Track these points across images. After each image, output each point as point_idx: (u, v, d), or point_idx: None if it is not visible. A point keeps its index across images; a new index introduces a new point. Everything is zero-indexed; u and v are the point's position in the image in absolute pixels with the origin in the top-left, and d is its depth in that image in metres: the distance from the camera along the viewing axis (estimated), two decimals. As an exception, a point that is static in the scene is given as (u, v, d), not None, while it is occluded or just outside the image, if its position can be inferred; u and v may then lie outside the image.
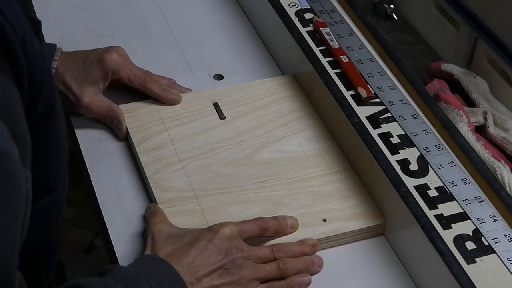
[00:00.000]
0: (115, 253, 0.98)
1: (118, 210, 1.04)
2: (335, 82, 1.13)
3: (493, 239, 0.92)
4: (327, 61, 1.16)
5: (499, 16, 1.21)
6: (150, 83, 1.16)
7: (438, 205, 0.96)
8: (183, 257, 0.90)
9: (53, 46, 1.13)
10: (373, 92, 1.11)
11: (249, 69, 1.28)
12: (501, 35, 1.20)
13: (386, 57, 1.17)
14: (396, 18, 1.42)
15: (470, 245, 0.92)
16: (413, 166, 1.00)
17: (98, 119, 1.14)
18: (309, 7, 1.26)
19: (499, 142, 1.13)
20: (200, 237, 0.92)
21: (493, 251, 0.91)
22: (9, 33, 0.68)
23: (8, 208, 0.66)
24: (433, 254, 0.91)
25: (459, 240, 0.92)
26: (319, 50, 1.18)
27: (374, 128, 1.06)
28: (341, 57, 1.16)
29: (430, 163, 1.01)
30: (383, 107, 1.09)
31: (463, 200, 0.96)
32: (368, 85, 1.12)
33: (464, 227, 0.94)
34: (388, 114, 1.08)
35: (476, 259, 0.90)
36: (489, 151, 1.09)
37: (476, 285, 0.87)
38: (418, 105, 1.10)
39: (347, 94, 1.11)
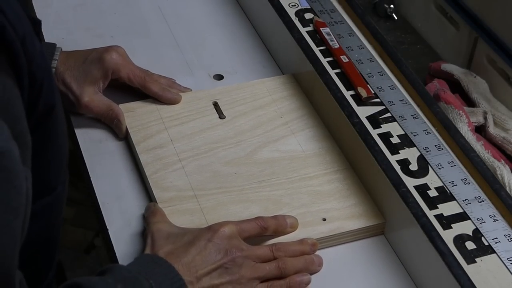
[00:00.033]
0: (115, 253, 0.98)
1: (118, 210, 1.03)
2: (335, 82, 1.13)
3: (493, 239, 0.92)
4: (327, 61, 1.16)
5: (499, 16, 1.21)
6: (150, 83, 1.16)
7: (438, 205, 0.96)
8: (183, 257, 0.90)
9: (53, 46, 1.13)
10: (373, 92, 1.11)
11: (249, 69, 1.28)
12: (501, 35, 1.20)
13: (386, 57, 1.17)
14: (396, 18, 1.42)
15: (470, 245, 0.92)
16: (413, 166, 1.00)
17: (98, 118, 1.14)
18: (309, 7, 1.26)
19: (499, 142, 1.13)
20: (200, 237, 0.92)
21: (493, 251, 0.91)
22: (9, 33, 0.68)
23: (9, 207, 0.66)
24: (433, 254, 0.91)
25: (459, 240, 0.92)
26: (319, 50, 1.18)
27: (374, 128, 1.06)
28: (341, 57, 1.16)
29: (430, 163, 1.01)
30: (383, 107, 1.09)
31: (463, 200, 0.96)
32: (368, 85, 1.12)
33: (464, 227, 0.93)
34: (388, 114, 1.08)
35: (476, 259, 0.90)
36: (489, 151, 1.09)
37: (476, 285, 0.87)
38: (418, 105, 1.10)
39: (347, 94, 1.11)
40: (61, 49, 1.14)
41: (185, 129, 1.12)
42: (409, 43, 1.38)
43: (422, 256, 0.94)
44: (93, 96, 1.13)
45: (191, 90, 1.20)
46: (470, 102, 1.20)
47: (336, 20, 1.24)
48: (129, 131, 1.12)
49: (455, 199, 0.97)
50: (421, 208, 0.95)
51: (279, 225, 0.98)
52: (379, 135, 1.05)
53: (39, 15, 1.33)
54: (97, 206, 1.04)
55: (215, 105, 1.17)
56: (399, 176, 0.99)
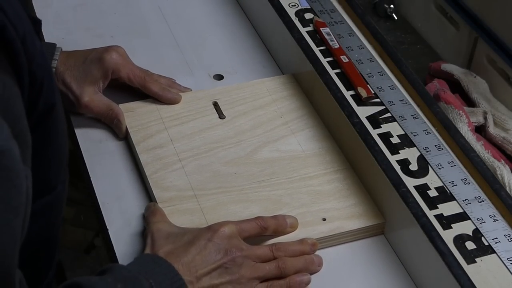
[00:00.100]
0: (115, 253, 0.98)
1: (118, 210, 1.03)
2: (335, 82, 1.13)
3: (493, 239, 0.92)
4: (327, 61, 1.16)
5: (499, 16, 1.21)
6: (150, 83, 1.16)
7: (438, 205, 0.96)
8: (183, 256, 0.90)
9: (53, 46, 1.14)
10: (373, 92, 1.11)
11: (249, 69, 1.28)
12: (501, 35, 1.20)
13: (386, 57, 1.17)
14: (396, 18, 1.42)
15: (470, 245, 0.92)
16: (413, 166, 1.00)
17: (98, 118, 1.14)
18: (309, 7, 1.26)
19: (499, 142, 1.13)
20: (200, 236, 0.92)
21: (493, 251, 0.91)
22: (10, 32, 0.68)
23: (9, 206, 0.66)
24: (433, 254, 0.91)
25: (459, 240, 0.92)
26: (319, 50, 1.18)
27: (374, 128, 1.06)
28: (341, 57, 1.16)
29: (430, 163, 1.01)
30: (383, 107, 1.09)
31: (463, 200, 0.96)
32: (368, 85, 1.12)
33: (464, 227, 0.93)
34: (388, 114, 1.08)
35: (476, 259, 0.90)
36: (489, 151, 1.09)
37: (476, 285, 0.87)
38: (418, 105, 1.10)
39: (347, 94, 1.11)
40: (61, 49, 1.14)
41: (185, 129, 1.12)
42: (409, 43, 1.38)
43: (422, 256, 0.94)
44: (93, 96, 1.13)
45: (191, 90, 1.20)
46: (470, 102, 1.20)
47: (336, 20, 1.24)
48: (129, 131, 1.12)
49: (455, 199, 0.97)
50: (421, 208, 0.95)
51: (279, 225, 0.98)
52: (379, 135, 1.05)
53: (39, 15, 1.32)
54: (97, 206, 1.04)
55: (215, 105, 1.17)
56: (399, 176, 0.99)
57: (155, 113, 1.15)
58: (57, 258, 0.96)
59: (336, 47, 1.18)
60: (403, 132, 1.05)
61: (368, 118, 1.07)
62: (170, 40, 1.32)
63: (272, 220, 0.98)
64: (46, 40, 1.21)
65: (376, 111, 1.08)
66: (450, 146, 1.03)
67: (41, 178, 0.80)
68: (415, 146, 1.03)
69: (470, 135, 1.10)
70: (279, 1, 1.26)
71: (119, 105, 1.14)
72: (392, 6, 1.42)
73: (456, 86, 1.22)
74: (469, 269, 0.89)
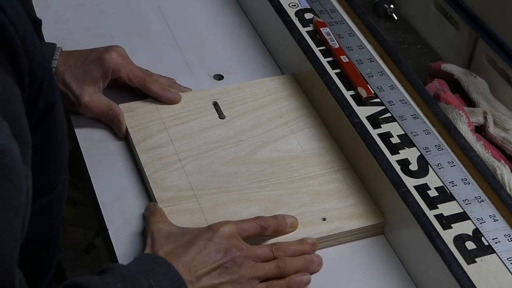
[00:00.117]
0: (115, 253, 0.98)
1: (118, 210, 1.03)
2: (335, 82, 1.13)
3: (493, 239, 0.92)
4: (327, 61, 1.16)
5: (499, 16, 1.21)
6: (149, 83, 1.16)
7: (438, 205, 0.96)
8: (183, 256, 0.90)
9: (53, 46, 1.14)
10: (373, 92, 1.11)
11: (249, 69, 1.28)
12: (501, 35, 1.20)
13: (386, 57, 1.17)
14: (396, 18, 1.42)
15: (470, 245, 0.92)
16: (413, 166, 1.00)
17: (98, 118, 1.14)
18: (309, 7, 1.26)
19: (499, 142, 1.13)
20: (200, 236, 0.92)
21: (493, 251, 0.91)
22: (10, 31, 0.68)
23: (9, 205, 0.66)
24: (433, 254, 0.91)
25: (459, 240, 0.92)
26: (319, 50, 1.18)
27: (374, 128, 1.06)
28: (341, 57, 1.16)
29: (430, 163, 1.01)
30: (383, 107, 1.09)
31: (463, 200, 0.96)
32: (368, 85, 1.12)
33: (464, 227, 0.93)
34: (388, 114, 1.08)
35: (476, 259, 0.90)
36: (489, 151, 1.09)
37: (476, 285, 0.87)
38: (418, 105, 1.10)
39: (347, 94, 1.11)
40: (61, 49, 1.14)
41: (185, 129, 1.12)
42: (409, 43, 1.38)
43: (422, 256, 0.94)
44: (93, 96, 1.13)
45: (191, 90, 1.20)
46: (470, 102, 1.20)
47: (336, 20, 1.24)
48: (129, 131, 1.12)
49: (455, 199, 0.97)
50: (421, 208, 0.95)
51: (279, 225, 0.98)
52: (379, 135, 1.05)
53: (39, 15, 1.32)
54: (97, 206, 1.04)
55: (215, 105, 1.17)
56: (399, 176, 0.99)
57: (155, 113, 1.15)
58: (57, 258, 0.96)
59: (336, 47, 1.18)
60: (403, 132, 1.05)
61: (368, 118, 1.07)
62: (170, 40, 1.32)
63: (272, 220, 0.98)
64: (46, 40, 1.21)
65: (376, 111, 1.08)
66: (450, 146, 1.03)
67: (41, 177, 0.80)
68: (415, 146, 1.03)
69: (470, 135, 1.10)
70: (279, 1, 1.26)
71: (119, 105, 1.14)
72: (392, 6, 1.42)
73: (456, 86, 1.22)
74: (469, 269, 0.89)
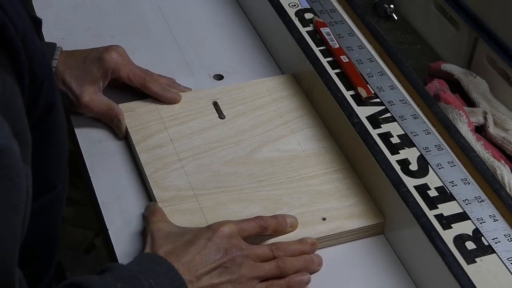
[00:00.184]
0: (115, 253, 0.98)
1: (118, 210, 1.03)
2: (335, 82, 1.13)
3: (493, 239, 0.92)
4: (327, 61, 1.16)
5: (499, 16, 1.21)
6: (149, 82, 1.16)
7: (438, 205, 0.96)
8: (183, 256, 0.90)
9: (53, 45, 1.14)
10: (373, 92, 1.11)
11: (249, 69, 1.28)
12: (501, 35, 1.20)
13: (386, 57, 1.17)
14: (396, 18, 1.42)
15: (470, 245, 0.92)
16: (413, 166, 1.00)
17: (97, 118, 1.14)
18: (309, 7, 1.26)
19: (499, 142, 1.13)
20: (200, 236, 0.92)
21: (493, 251, 0.91)
22: (10, 30, 0.68)
23: (9, 204, 0.66)
24: (433, 254, 0.91)
25: (459, 240, 0.92)
26: (319, 50, 1.18)
27: (374, 128, 1.06)
28: (341, 57, 1.16)
29: (430, 163, 1.01)
30: (383, 107, 1.09)
31: (463, 200, 0.96)
32: (368, 85, 1.12)
33: (464, 227, 0.93)
34: (388, 114, 1.08)
35: (476, 259, 0.90)
36: (489, 151, 1.09)
37: (476, 285, 0.87)
38: (418, 105, 1.10)
39: (347, 94, 1.11)
40: (61, 49, 1.14)
41: (185, 129, 1.12)
42: (409, 43, 1.38)
43: (422, 256, 0.94)
44: (93, 96, 1.13)
45: (191, 90, 1.20)
46: (470, 102, 1.20)
47: (336, 20, 1.24)
48: (129, 130, 1.12)
49: (455, 199, 0.96)
50: (421, 208, 0.95)
51: (278, 225, 0.98)
52: (379, 135, 1.05)
53: (39, 15, 1.31)
54: (97, 206, 1.04)
55: (215, 104, 1.17)
56: (399, 176, 0.99)
57: (155, 113, 1.15)
58: (57, 257, 0.96)
59: (336, 47, 1.18)
60: (403, 132, 1.05)
61: (368, 118, 1.07)
62: (170, 40, 1.32)
63: (272, 219, 0.98)
64: (46, 40, 1.21)
65: (376, 111, 1.08)
66: (450, 146, 1.03)
67: (41, 177, 0.80)
68: (415, 146, 1.03)
69: (470, 135, 1.10)
70: (279, 1, 1.26)
71: (119, 104, 1.14)
72: (392, 6, 1.42)
73: (456, 86, 1.22)
74: (469, 269, 0.89)
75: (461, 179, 0.99)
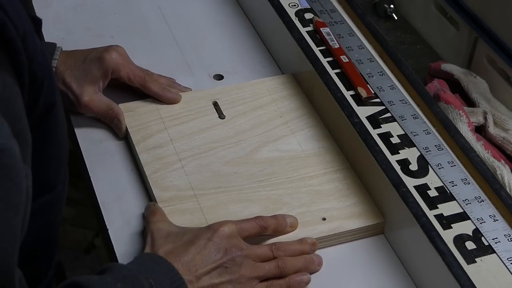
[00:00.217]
0: (115, 253, 0.98)
1: (118, 210, 1.03)
2: (335, 82, 1.13)
3: (493, 239, 0.92)
4: (327, 61, 1.16)
5: (499, 16, 1.21)
6: (149, 82, 1.16)
7: (438, 205, 0.96)
8: (183, 256, 0.90)
9: (53, 45, 1.14)
10: (373, 92, 1.11)
11: (249, 69, 1.28)
12: (501, 35, 1.20)
13: (386, 57, 1.17)
14: (396, 18, 1.42)
15: (470, 245, 0.92)
16: (413, 166, 1.00)
17: (97, 118, 1.14)
18: (309, 7, 1.26)
19: (499, 142, 1.13)
20: (200, 236, 0.92)
21: (493, 251, 0.91)
22: (10, 30, 0.68)
23: (9, 204, 0.66)
24: (433, 254, 0.91)
25: (459, 240, 0.92)
26: (319, 50, 1.18)
27: (374, 128, 1.06)
28: (341, 57, 1.16)
29: (430, 163, 1.01)
30: (383, 107, 1.09)
31: (463, 200, 0.96)
32: (368, 85, 1.12)
33: (464, 227, 0.93)
34: (388, 114, 1.08)
35: (476, 259, 0.90)
36: (489, 151, 1.09)
37: (476, 285, 0.87)
38: (418, 105, 1.10)
39: (347, 94, 1.11)
40: (61, 49, 1.14)
41: (185, 129, 1.12)
42: (409, 43, 1.38)
43: (422, 256, 0.94)
44: (93, 96, 1.13)
45: (191, 90, 1.20)
46: (470, 102, 1.20)
47: (336, 20, 1.24)
48: (129, 130, 1.12)
49: (455, 199, 0.96)
50: (421, 208, 0.95)
51: (278, 225, 0.98)
52: (379, 135, 1.05)
53: (39, 15, 1.31)
54: (97, 206, 1.04)
55: (215, 104, 1.17)
56: (399, 176, 0.99)
57: (155, 112, 1.15)
58: (56, 257, 0.96)
59: (336, 47, 1.18)
60: (403, 132, 1.05)
61: (368, 118, 1.07)
62: (170, 40, 1.32)
63: (272, 219, 0.98)
64: (46, 40, 1.21)
65: (376, 111, 1.08)
66: (450, 146, 1.03)
67: (41, 177, 0.80)
68: (415, 146, 1.03)
69: (470, 135, 1.10)
70: (279, 1, 1.26)
71: (119, 104, 1.14)
72: (392, 6, 1.42)
73: (456, 86, 1.22)
74: (469, 269, 0.89)
75: (461, 179, 0.99)
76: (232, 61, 1.29)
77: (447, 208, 0.95)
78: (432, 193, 0.97)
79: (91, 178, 1.07)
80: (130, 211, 1.03)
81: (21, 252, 0.71)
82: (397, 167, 1.00)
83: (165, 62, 1.26)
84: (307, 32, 1.21)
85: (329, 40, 1.18)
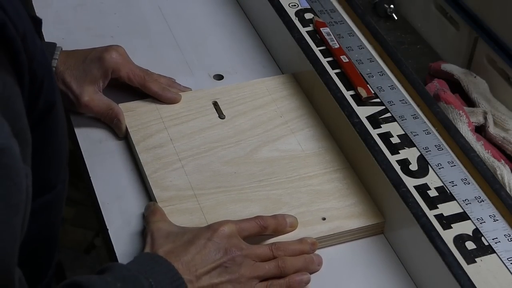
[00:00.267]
0: (115, 253, 0.98)
1: (118, 209, 1.03)
2: (335, 82, 1.13)
3: (493, 239, 0.92)
4: (327, 61, 1.16)
5: (499, 16, 1.21)
6: (149, 82, 1.16)
7: (438, 205, 0.96)
8: (183, 255, 0.90)
9: (53, 45, 1.14)
10: (373, 92, 1.11)
11: (249, 69, 1.28)
12: (501, 35, 1.20)
13: (386, 57, 1.17)
14: (396, 18, 1.42)
15: (470, 245, 0.92)
16: (413, 166, 1.00)
17: (97, 118, 1.14)
18: (309, 7, 1.26)
19: (499, 142, 1.13)
20: (200, 236, 0.92)
21: (493, 251, 0.91)
22: (10, 30, 0.68)
23: (9, 204, 0.66)
24: (433, 254, 0.91)
25: (459, 240, 0.92)
26: (319, 50, 1.18)
27: (374, 128, 1.06)
28: (341, 57, 1.16)
29: (430, 163, 1.01)
30: (383, 107, 1.09)
31: (463, 200, 0.96)
32: (368, 85, 1.12)
33: (464, 227, 0.93)
34: (388, 114, 1.08)
35: (476, 259, 0.90)
36: (489, 151, 1.09)
37: (476, 285, 0.87)
38: (418, 105, 1.10)
39: (347, 94, 1.11)
40: (61, 49, 1.14)
41: (184, 129, 1.12)
42: (409, 43, 1.38)
43: (422, 256, 0.94)
44: (93, 96, 1.13)
45: (191, 90, 1.20)
46: (470, 102, 1.20)
47: (336, 20, 1.24)
48: (129, 130, 1.12)
49: (455, 199, 0.96)
50: (421, 208, 0.95)
51: (278, 225, 0.98)
52: (379, 135, 1.05)
53: (39, 15, 1.31)
54: (97, 206, 1.04)
55: (215, 104, 1.17)
56: (399, 176, 0.99)
57: (155, 112, 1.15)
58: (56, 257, 0.96)
59: (336, 47, 1.18)
60: (403, 132, 1.05)
61: (368, 118, 1.07)
62: (170, 40, 1.32)
63: (272, 219, 0.98)
64: (46, 40, 1.20)
65: (376, 111, 1.08)
66: (450, 146, 1.03)
67: (41, 176, 0.80)
68: (415, 146, 1.03)
69: (470, 135, 1.10)
70: (279, 1, 1.26)
71: (119, 104, 1.14)
72: (392, 6, 1.42)
73: (456, 86, 1.22)
74: (469, 269, 0.89)
75: (461, 179, 0.99)
76: (232, 61, 1.29)
77: (447, 208, 0.95)
78: (432, 193, 0.97)
79: (91, 178, 1.07)
80: (130, 211, 1.03)
81: (21, 252, 0.71)
82: (397, 167, 1.00)
83: (165, 62, 1.26)
84: (307, 32, 1.21)
85: (329, 40, 1.18)
